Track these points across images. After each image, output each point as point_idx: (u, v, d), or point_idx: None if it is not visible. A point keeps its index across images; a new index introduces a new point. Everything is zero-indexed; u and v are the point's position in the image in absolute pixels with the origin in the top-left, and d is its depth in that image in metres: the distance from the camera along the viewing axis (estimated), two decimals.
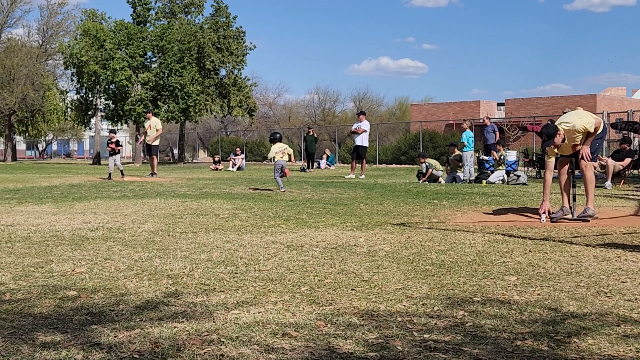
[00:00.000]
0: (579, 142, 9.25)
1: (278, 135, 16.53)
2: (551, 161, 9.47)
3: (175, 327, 3.88)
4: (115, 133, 22.59)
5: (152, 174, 22.54)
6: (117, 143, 21.47)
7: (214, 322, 4.01)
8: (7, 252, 6.49)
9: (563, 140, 9.14)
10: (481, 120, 30.34)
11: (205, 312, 4.22)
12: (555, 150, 9.35)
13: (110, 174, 21.10)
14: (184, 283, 5.10)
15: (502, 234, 7.85)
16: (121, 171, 21.33)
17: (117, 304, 4.46)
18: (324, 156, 36.48)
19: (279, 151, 15.91)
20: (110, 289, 4.91)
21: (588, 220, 9.05)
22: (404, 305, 4.42)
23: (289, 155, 16.10)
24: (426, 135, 43.01)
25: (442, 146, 38.45)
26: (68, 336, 3.72)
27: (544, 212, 9.18)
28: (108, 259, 6.16)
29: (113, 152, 21.34)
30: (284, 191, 14.99)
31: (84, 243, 7.15)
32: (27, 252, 6.50)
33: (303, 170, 30.61)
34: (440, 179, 19.80)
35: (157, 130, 22.71)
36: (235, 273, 5.49)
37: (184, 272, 5.51)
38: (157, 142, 23.08)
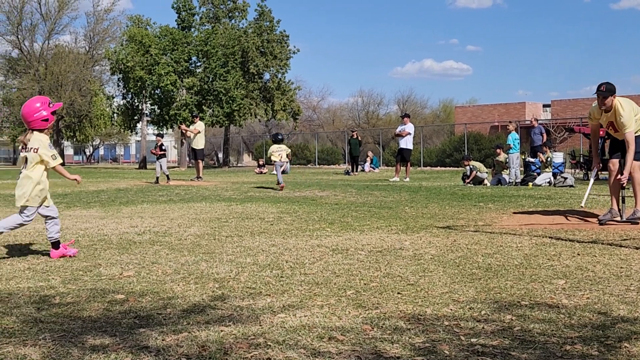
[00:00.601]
0: (614, 128, 9.18)
1: (280, 136, 18.70)
2: (594, 124, 9.56)
3: (222, 331, 3.90)
4: (162, 137, 22.84)
5: (198, 177, 22.70)
6: (160, 147, 21.73)
7: (260, 325, 4.02)
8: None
9: (608, 111, 9.06)
10: (528, 122, 30.01)
11: (251, 316, 4.24)
12: (597, 116, 9.32)
13: (157, 177, 21.33)
14: (230, 287, 5.13)
15: (550, 237, 7.75)
16: (167, 175, 21.51)
17: (165, 307, 4.49)
18: (368, 159, 36.42)
19: (276, 152, 17.90)
20: (158, 292, 4.95)
21: (637, 223, 8.90)
22: (451, 309, 4.38)
23: (287, 155, 18.24)
24: (471, 137, 42.73)
25: (488, 148, 38.16)
26: (117, 339, 3.75)
27: (595, 168, 9.67)
28: (155, 262, 6.21)
29: (160, 156, 21.56)
30: (282, 186, 17.09)
31: (132, 247, 7.22)
32: (75, 256, 6.59)
33: (347, 173, 30.58)
34: (486, 181, 19.64)
35: (199, 132, 22.87)
36: (281, 277, 5.50)
37: (230, 276, 5.53)
38: (202, 146, 23.27)
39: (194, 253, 6.76)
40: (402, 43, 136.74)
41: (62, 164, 6.65)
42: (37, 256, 6.60)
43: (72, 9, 58.43)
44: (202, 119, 42.92)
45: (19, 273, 5.71)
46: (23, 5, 56.17)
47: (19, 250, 6.97)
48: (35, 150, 6.40)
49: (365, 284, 5.19)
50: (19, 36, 57.10)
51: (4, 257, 6.53)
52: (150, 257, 6.54)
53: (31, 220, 6.54)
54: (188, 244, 7.40)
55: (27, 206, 6.44)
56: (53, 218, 6.57)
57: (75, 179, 6.69)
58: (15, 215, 6.52)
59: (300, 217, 10.21)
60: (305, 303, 4.58)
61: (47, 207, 6.53)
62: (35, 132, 6.51)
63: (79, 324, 4.09)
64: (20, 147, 6.74)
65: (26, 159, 6.49)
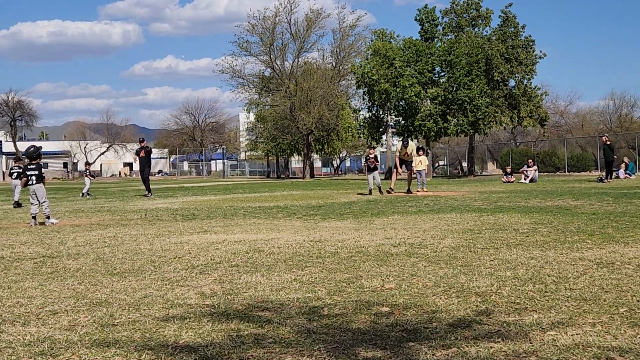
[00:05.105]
0: None
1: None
2: None
3: (491, 347, 3.84)
4: (374, 148, 23.18)
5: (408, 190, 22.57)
6: (376, 158, 22.06)
7: (530, 343, 3.91)
8: (319, 268, 6.82)
9: None
10: None
11: (520, 332, 4.14)
12: None
13: (371, 189, 21.67)
14: (493, 301, 5.04)
15: None
16: (379, 187, 21.69)
17: (430, 321, 4.50)
18: (622, 165, 34.53)
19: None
20: (421, 305, 4.98)
21: None
22: None
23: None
24: None
25: None
26: (387, 352, 3.81)
27: None
28: (414, 275, 6.26)
29: (372, 168, 21.86)
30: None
31: (389, 259, 7.33)
32: (337, 268, 6.80)
33: (601, 180, 29.17)
34: None
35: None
36: (545, 292, 5.33)
37: (491, 290, 5.45)
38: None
39: (451, 265, 6.73)
40: None
41: None
42: (301, 267, 6.88)
43: (320, 27, 60.72)
44: (445, 129, 43.16)
45: (287, 284, 5.98)
46: (274, 26, 59.33)
47: (283, 262, 7.31)
48: None
49: (638, 301, 4.89)
50: (271, 56, 60.33)
51: (271, 268, 6.87)
52: (408, 269, 6.60)
53: None
54: (444, 256, 7.39)
55: None
56: None
57: None
58: None
59: (557, 228, 9.86)
60: (575, 320, 4.40)
61: None
62: None
63: (349, 335, 4.20)
64: None
65: None
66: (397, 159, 22.67)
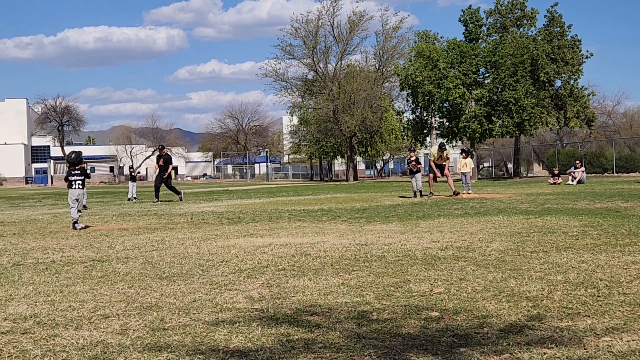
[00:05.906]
0: None
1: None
2: None
3: (545, 353, 3.78)
4: (414, 151, 23.05)
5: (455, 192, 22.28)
6: (417, 161, 21.98)
7: (584, 349, 3.85)
8: (366, 272, 6.80)
9: None
10: None
11: (573, 338, 4.07)
12: None
13: (415, 192, 21.63)
14: (545, 306, 4.98)
15: None
16: (420, 191, 21.63)
17: (481, 326, 4.46)
18: None
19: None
20: (471, 310, 4.93)
21: None
22: None
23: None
24: None
25: None
26: (439, 358, 3.78)
27: None
28: (463, 279, 6.20)
29: (414, 171, 21.79)
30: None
31: (437, 262, 7.28)
32: (384, 272, 6.76)
33: None
34: None
35: (447, 158, 22.78)
36: (598, 296, 5.25)
37: (542, 294, 5.38)
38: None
39: (500, 269, 6.66)
40: None
41: None
42: (349, 271, 6.86)
43: (362, 30, 60.61)
44: (490, 130, 42.77)
45: (334, 288, 5.97)
46: (317, 29, 59.40)
47: (330, 266, 7.30)
48: None
49: None
50: (314, 59, 60.40)
51: (318, 272, 6.87)
52: (457, 273, 6.54)
53: None
54: (493, 260, 7.31)
55: None
56: None
57: None
58: None
59: (607, 231, 9.71)
60: (630, 326, 4.32)
61: None
62: None
63: (400, 340, 4.17)
64: None
65: None
66: (432, 163, 22.57)
